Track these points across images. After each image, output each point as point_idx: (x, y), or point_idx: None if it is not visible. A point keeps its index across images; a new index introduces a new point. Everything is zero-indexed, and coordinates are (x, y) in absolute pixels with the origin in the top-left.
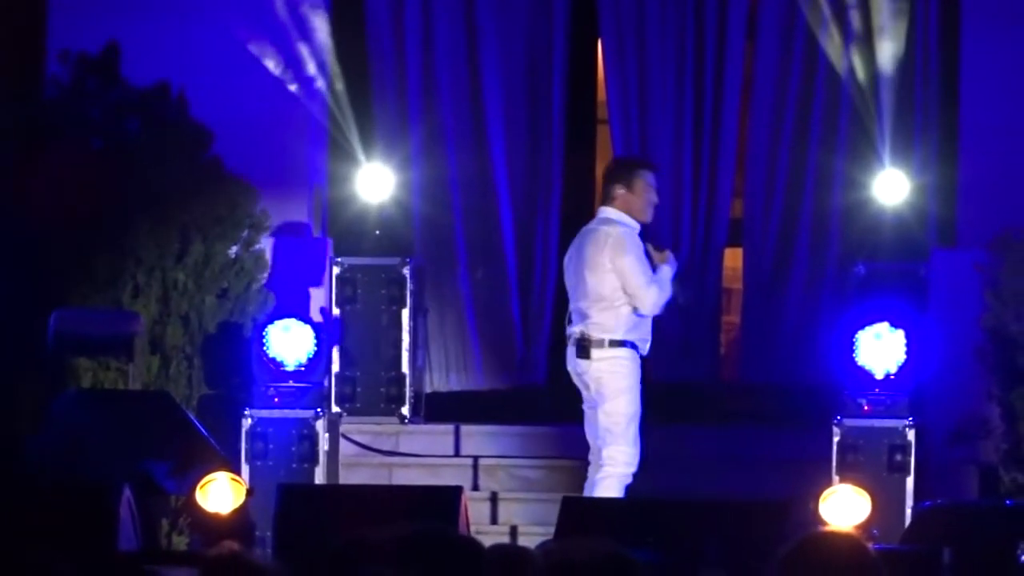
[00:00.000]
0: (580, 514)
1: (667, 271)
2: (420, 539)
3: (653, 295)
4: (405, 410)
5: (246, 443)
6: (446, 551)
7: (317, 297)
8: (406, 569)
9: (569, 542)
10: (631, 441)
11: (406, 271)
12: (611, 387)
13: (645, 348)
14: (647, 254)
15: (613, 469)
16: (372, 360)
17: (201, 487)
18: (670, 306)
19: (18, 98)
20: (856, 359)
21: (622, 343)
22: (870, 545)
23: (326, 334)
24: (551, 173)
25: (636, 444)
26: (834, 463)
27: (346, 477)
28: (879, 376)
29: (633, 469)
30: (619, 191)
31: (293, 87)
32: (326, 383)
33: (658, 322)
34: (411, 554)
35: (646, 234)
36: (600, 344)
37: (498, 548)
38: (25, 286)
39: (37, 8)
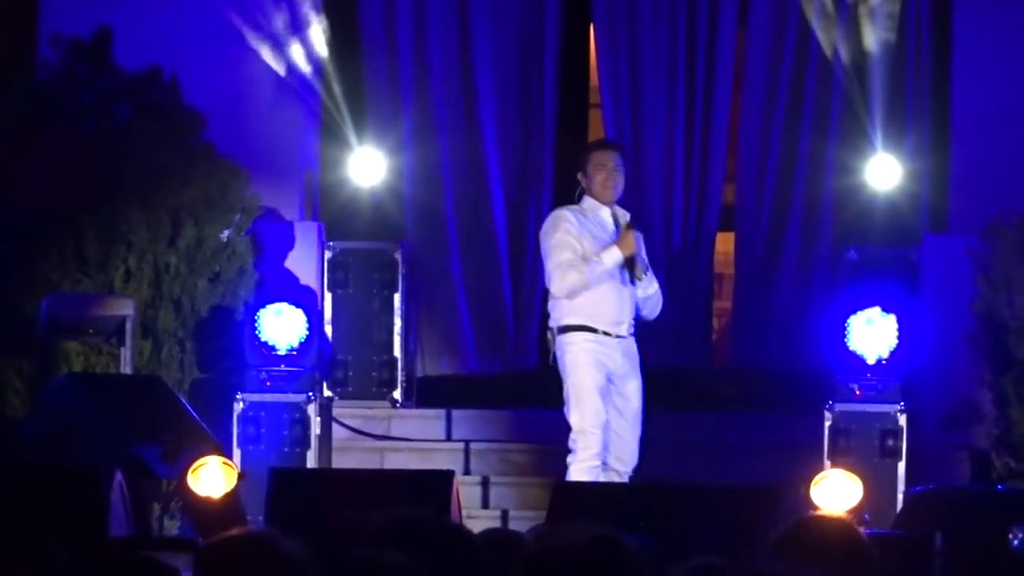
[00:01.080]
0: (571, 499)
1: (609, 258)
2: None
3: (556, 280)
4: (397, 394)
5: (238, 427)
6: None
7: (309, 281)
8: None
9: (561, 526)
10: (580, 427)
11: (398, 255)
12: (563, 372)
13: (607, 324)
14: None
15: (571, 457)
16: (364, 344)
17: (193, 471)
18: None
19: (9, 83)
20: (848, 344)
21: (566, 328)
22: (862, 530)
23: (318, 318)
24: (543, 158)
25: (585, 430)
26: (826, 448)
27: (338, 461)
28: (871, 361)
29: (595, 460)
30: (580, 177)
31: (285, 72)
32: (318, 367)
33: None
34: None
35: (638, 219)
36: (553, 335)
37: (490, 532)
38: (16, 270)
39: None
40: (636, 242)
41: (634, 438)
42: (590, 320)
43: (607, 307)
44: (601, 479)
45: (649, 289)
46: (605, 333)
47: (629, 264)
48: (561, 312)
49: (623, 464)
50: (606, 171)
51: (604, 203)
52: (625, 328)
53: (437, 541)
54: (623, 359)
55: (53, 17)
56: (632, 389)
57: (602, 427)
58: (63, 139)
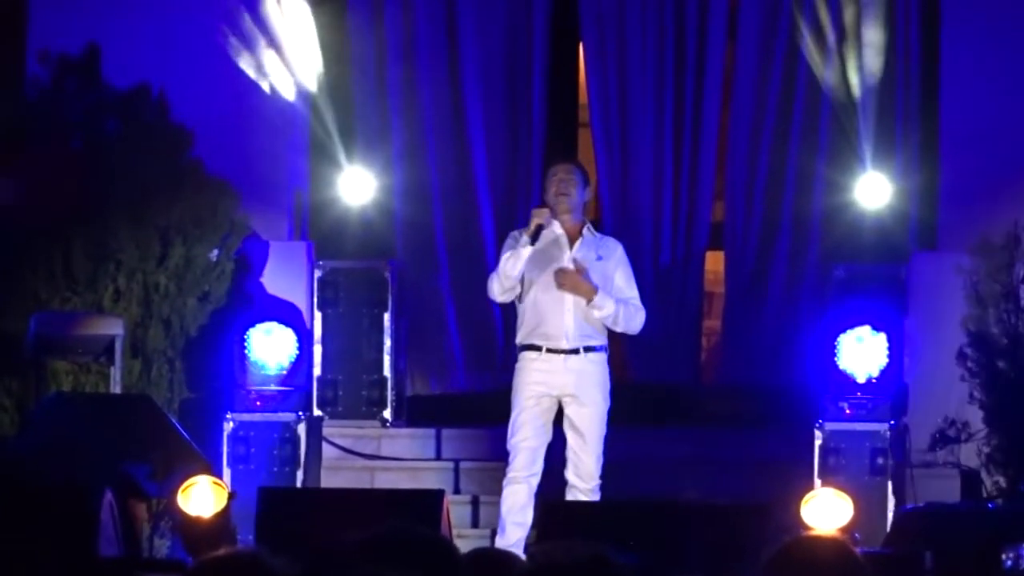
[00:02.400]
0: (560, 517)
1: (524, 249)
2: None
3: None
4: (387, 413)
5: (227, 446)
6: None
7: (299, 300)
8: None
9: (553, 545)
10: (508, 443)
11: (387, 274)
12: None
13: (550, 341)
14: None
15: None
16: (354, 363)
17: (183, 491)
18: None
19: None
20: (837, 362)
21: (519, 347)
22: (854, 549)
23: (307, 337)
24: (531, 176)
25: (510, 446)
26: (816, 466)
27: (327, 480)
28: (861, 379)
29: (511, 474)
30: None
31: (274, 90)
32: (308, 386)
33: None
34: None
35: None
36: None
37: (481, 552)
38: (5, 288)
39: (17, 8)
40: (578, 278)
41: (591, 454)
42: (534, 338)
43: (547, 324)
44: (521, 498)
45: (604, 310)
46: (550, 351)
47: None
48: (518, 332)
49: (582, 481)
50: (555, 181)
51: (560, 215)
52: (569, 343)
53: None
54: (571, 377)
55: (41, 32)
56: (586, 406)
57: (533, 444)
58: (51, 155)
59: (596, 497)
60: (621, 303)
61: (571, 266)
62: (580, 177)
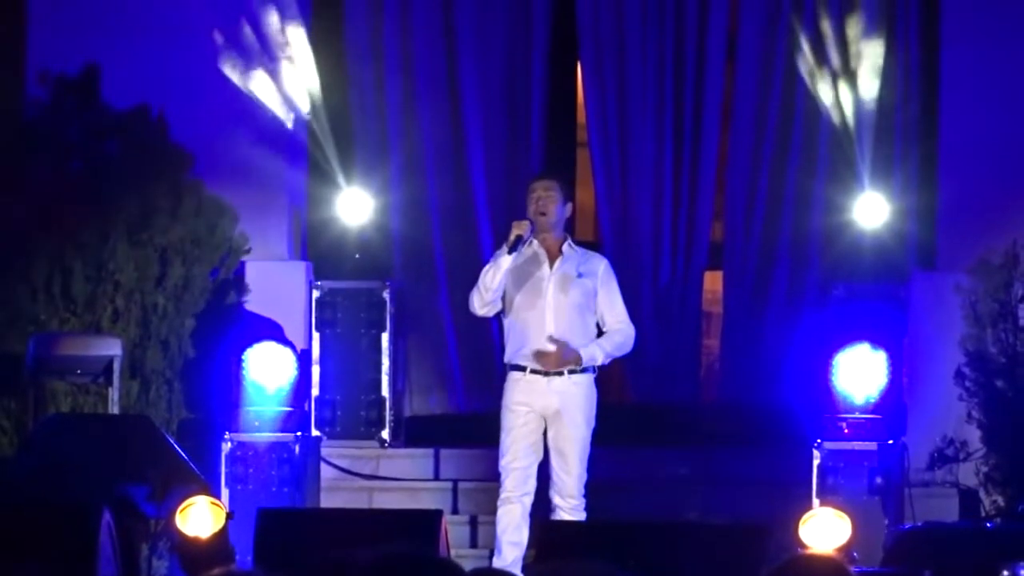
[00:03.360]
0: (559, 538)
1: (503, 256)
2: (402, 561)
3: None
4: (385, 434)
5: (226, 467)
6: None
7: (297, 320)
8: None
9: (553, 565)
10: (500, 464)
11: (386, 294)
12: None
13: (532, 362)
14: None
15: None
16: (352, 384)
17: (181, 511)
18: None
19: None
20: (836, 381)
21: (507, 367)
22: (851, 568)
23: (306, 358)
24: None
25: (501, 467)
26: (814, 486)
27: (326, 501)
28: (859, 399)
29: (504, 494)
30: None
31: (273, 110)
32: (306, 406)
33: (639, 345)
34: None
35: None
36: None
37: (482, 572)
38: (3, 309)
39: (16, 29)
40: (560, 355)
41: (571, 474)
42: (519, 359)
43: (531, 343)
44: (515, 517)
45: (598, 361)
46: (534, 372)
47: None
48: (505, 351)
49: (564, 500)
50: (534, 199)
51: (540, 232)
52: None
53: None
54: (555, 397)
55: (41, 53)
56: (568, 427)
57: (523, 463)
58: (50, 175)
59: (580, 515)
60: (608, 343)
61: (551, 284)
62: (559, 193)
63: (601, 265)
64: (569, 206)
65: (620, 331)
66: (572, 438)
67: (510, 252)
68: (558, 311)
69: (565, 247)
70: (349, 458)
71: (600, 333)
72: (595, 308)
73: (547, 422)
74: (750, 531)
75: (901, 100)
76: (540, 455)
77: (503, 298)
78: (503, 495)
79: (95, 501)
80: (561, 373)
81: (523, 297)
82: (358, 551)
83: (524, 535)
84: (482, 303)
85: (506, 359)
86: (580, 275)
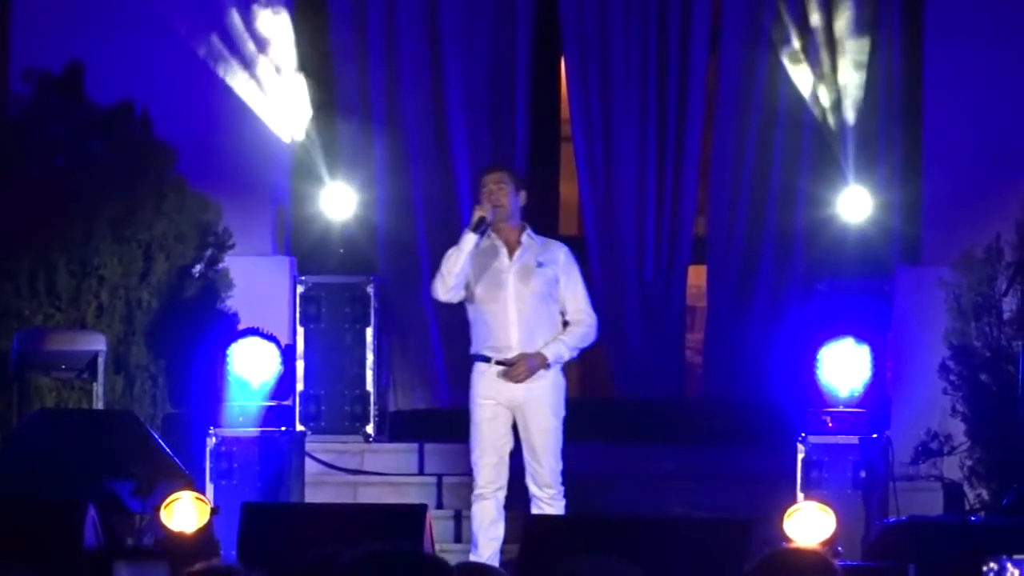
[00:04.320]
0: (543, 532)
1: (467, 238)
2: (388, 558)
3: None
4: (370, 428)
5: (210, 462)
6: (415, 570)
7: (281, 316)
8: None
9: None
10: (471, 458)
11: (370, 289)
12: None
13: (497, 352)
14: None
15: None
16: (336, 379)
17: (166, 506)
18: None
19: None
20: (820, 376)
21: (471, 357)
22: (835, 562)
23: (290, 353)
24: None
25: (473, 462)
26: (799, 480)
27: (311, 495)
28: (843, 393)
29: (477, 490)
30: None
31: (256, 107)
32: (290, 401)
33: (623, 340)
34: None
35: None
36: None
37: (464, 566)
38: None
39: (0, 26)
40: (525, 366)
41: (546, 464)
42: (483, 350)
43: (494, 336)
44: (490, 513)
45: (566, 358)
46: (498, 363)
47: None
48: (471, 342)
49: (540, 490)
50: (486, 193)
51: (498, 222)
52: (517, 354)
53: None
54: (520, 389)
55: (24, 51)
56: (536, 418)
57: (493, 459)
58: (34, 172)
59: (559, 504)
60: (571, 338)
61: (511, 275)
62: (511, 184)
63: (561, 252)
64: (523, 195)
65: (582, 322)
66: (540, 429)
67: (474, 232)
68: (520, 302)
69: (524, 237)
70: (334, 453)
71: (564, 323)
72: (557, 297)
73: (515, 414)
74: (734, 525)
75: (884, 95)
76: (510, 446)
77: (466, 289)
78: (476, 491)
79: (80, 497)
80: None
81: (484, 289)
82: (344, 547)
83: (500, 529)
84: (445, 288)
85: (472, 349)
86: (540, 264)
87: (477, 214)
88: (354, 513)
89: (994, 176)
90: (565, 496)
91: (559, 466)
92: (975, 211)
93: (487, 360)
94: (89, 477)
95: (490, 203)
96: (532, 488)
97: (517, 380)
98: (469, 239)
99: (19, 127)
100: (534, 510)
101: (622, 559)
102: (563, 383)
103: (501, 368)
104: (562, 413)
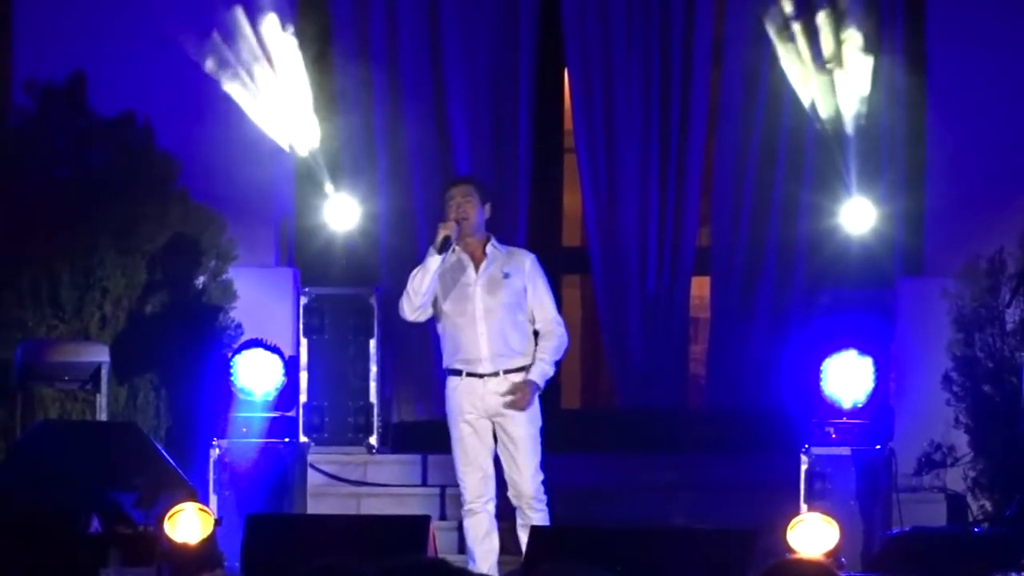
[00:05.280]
0: (547, 543)
1: (431, 258)
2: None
3: (400, 303)
4: (373, 440)
5: (214, 473)
6: None
7: (284, 327)
8: None
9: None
10: (458, 477)
11: (373, 300)
12: None
13: (468, 365)
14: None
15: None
16: (339, 390)
17: (169, 517)
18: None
19: None
20: (823, 387)
21: (447, 372)
22: (839, 573)
23: (293, 364)
24: (517, 202)
25: (460, 478)
26: (802, 491)
27: (314, 507)
28: (846, 404)
29: (467, 505)
30: None
31: (259, 118)
32: (294, 413)
33: (626, 350)
34: None
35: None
36: None
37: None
38: None
39: (2, 37)
40: (523, 397)
41: (524, 474)
42: (454, 363)
43: (464, 350)
44: (483, 526)
45: (551, 375)
46: (470, 375)
47: None
48: (443, 356)
49: (519, 499)
50: (452, 206)
51: (463, 236)
52: (489, 366)
53: None
54: (494, 399)
55: (26, 62)
56: (511, 426)
57: (478, 474)
58: (36, 184)
59: (541, 513)
60: (548, 354)
61: (478, 288)
62: (477, 196)
63: (527, 261)
64: (488, 207)
65: (552, 333)
66: (517, 437)
67: (439, 253)
68: (488, 314)
69: (489, 248)
70: (337, 464)
71: (534, 331)
72: (525, 306)
73: (493, 424)
74: (737, 536)
75: (887, 105)
76: (493, 453)
77: (433, 305)
78: (466, 506)
79: (83, 508)
80: (497, 374)
81: (452, 304)
82: (353, 558)
83: (495, 541)
84: (412, 308)
85: (444, 364)
86: (506, 275)
87: (441, 233)
88: (357, 524)
89: (997, 187)
90: (564, 505)
91: (539, 475)
92: (978, 222)
93: (459, 373)
94: (92, 488)
95: (456, 216)
96: (513, 499)
97: (522, 408)
98: (434, 259)
99: (21, 138)
100: (519, 521)
101: (624, 570)
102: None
103: (476, 380)
104: (539, 422)
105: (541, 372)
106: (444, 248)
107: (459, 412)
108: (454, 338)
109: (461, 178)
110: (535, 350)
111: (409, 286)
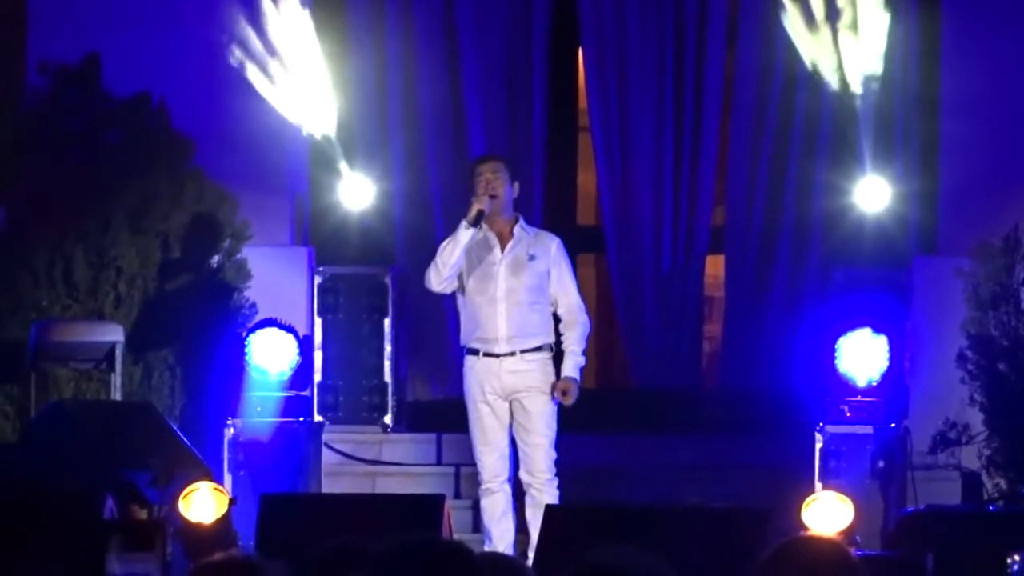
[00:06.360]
0: (562, 522)
1: (463, 231)
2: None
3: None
4: (388, 419)
5: (228, 453)
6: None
7: (299, 306)
8: None
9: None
10: (476, 457)
11: (388, 280)
12: None
13: (485, 344)
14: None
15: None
16: (354, 369)
17: (184, 497)
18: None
19: None
20: (838, 365)
21: (464, 352)
22: (852, 550)
23: (308, 343)
24: (532, 181)
25: (477, 458)
26: (816, 470)
27: (329, 486)
28: (861, 383)
29: (484, 485)
30: None
31: (274, 97)
32: (308, 392)
33: (641, 330)
34: (402, 563)
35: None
36: None
37: (486, 556)
38: (6, 296)
39: (15, 19)
40: (570, 393)
41: (539, 450)
42: (473, 342)
43: (483, 328)
44: (500, 506)
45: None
46: (487, 355)
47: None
48: (461, 333)
49: (531, 476)
50: (482, 182)
51: (491, 214)
52: (506, 346)
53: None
54: (511, 378)
55: (40, 43)
56: (528, 401)
57: (495, 454)
58: (51, 165)
59: (552, 491)
60: (575, 344)
61: (502, 268)
62: (506, 174)
63: (553, 244)
64: (516, 186)
65: (576, 322)
66: (533, 412)
67: (472, 226)
68: (510, 294)
69: (516, 229)
70: (351, 443)
71: (555, 315)
72: (548, 289)
73: (510, 402)
74: (752, 515)
75: (901, 84)
76: (509, 435)
77: (458, 280)
78: (483, 486)
79: (98, 487)
80: (513, 353)
81: (475, 282)
82: (368, 538)
83: (511, 520)
84: (439, 279)
85: (462, 342)
86: (532, 257)
87: (475, 207)
88: (372, 503)
89: (1012, 165)
90: (578, 485)
91: (553, 453)
92: (993, 201)
93: (476, 353)
94: (107, 468)
95: (487, 193)
96: (525, 477)
97: (571, 402)
98: (466, 232)
99: (36, 119)
100: (528, 500)
101: (641, 549)
102: (552, 370)
103: (493, 360)
104: (556, 401)
105: (575, 364)
106: (476, 222)
107: (477, 392)
108: (474, 316)
109: (489, 155)
110: (562, 341)
111: (438, 257)
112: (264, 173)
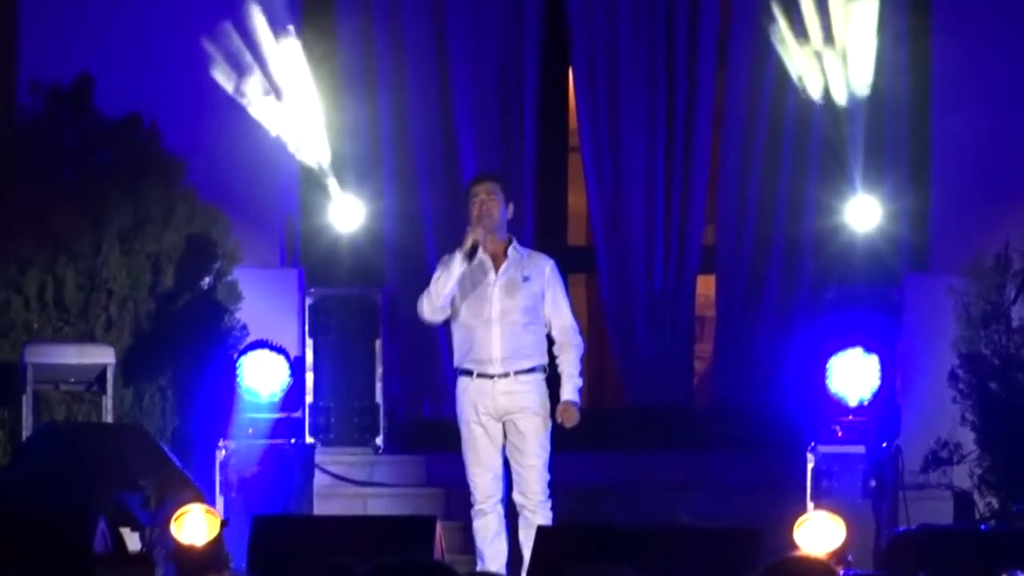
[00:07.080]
0: (554, 543)
1: (456, 262)
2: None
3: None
4: (379, 440)
5: (220, 474)
6: None
7: (290, 327)
8: None
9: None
10: (468, 478)
11: (379, 300)
12: None
13: (479, 365)
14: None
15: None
16: (345, 390)
17: (175, 519)
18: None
19: None
20: (829, 384)
21: (456, 372)
22: (840, 570)
23: (299, 365)
24: (523, 201)
25: (470, 479)
26: (808, 489)
27: (320, 508)
28: (853, 402)
29: (477, 506)
30: None
31: (265, 118)
32: (300, 413)
33: (633, 348)
34: None
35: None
36: None
37: None
38: None
39: (8, 39)
40: (571, 415)
41: (532, 472)
42: (466, 363)
43: (477, 349)
44: (493, 527)
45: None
46: (480, 375)
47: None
48: (454, 355)
49: (525, 498)
50: (476, 203)
51: (485, 235)
52: (500, 367)
53: None
54: (504, 399)
55: (32, 63)
56: (522, 421)
57: (489, 475)
58: (43, 185)
59: (546, 514)
60: (572, 368)
61: (496, 289)
62: (501, 195)
63: (547, 266)
64: (511, 207)
65: (570, 344)
66: (527, 433)
67: (468, 258)
68: (504, 316)
69: (510, 250)
70: (343, 465)
71: (548, 336)
72: (542, 310)
73: (504, 423)
74: (743, 534)
75: (892, 102)
76: (502, 456)
77: (452, 303)
78: (476, 507)
79: (90, 510)
80: (507, 375)
81: (468, 304)
82: (355, 559)
83: (504, 541)
84: (432, 309)
85: (455, 363)
86: (526, 278)
87: (470, 239)
88: (364, 525)
89: (1002, 184)
90: (570, 503)
91: (546, 474)
92: (983, 219)
93: (469, 374)
94: (99, 490)
95: (480, 214)
96: (518, 499)
97: (570, 424)
98: (459, 264)
99: (28, 139)
100: (521, 522)
101: (631, 568)
102: (547, 393)
103: (486, 380)
104: (549, 423)
105: (575, 387)
106: (472, 255)
107: (471, 413)
108: (468, 338)
109: (485, 175)
110: (558, 364)
111: (432, 287)
112: (255, 194)
